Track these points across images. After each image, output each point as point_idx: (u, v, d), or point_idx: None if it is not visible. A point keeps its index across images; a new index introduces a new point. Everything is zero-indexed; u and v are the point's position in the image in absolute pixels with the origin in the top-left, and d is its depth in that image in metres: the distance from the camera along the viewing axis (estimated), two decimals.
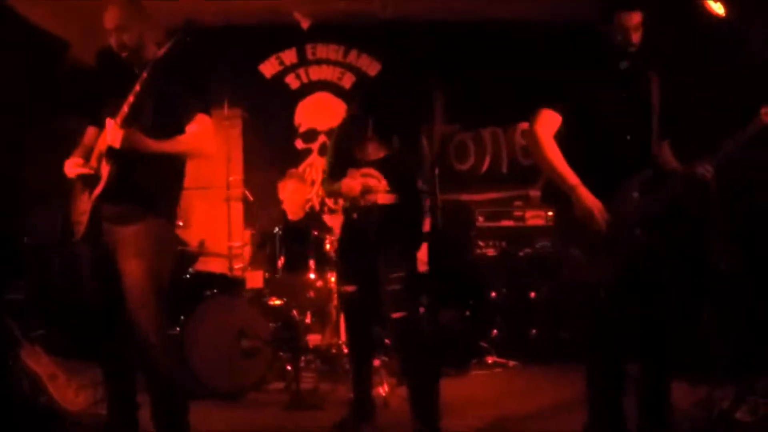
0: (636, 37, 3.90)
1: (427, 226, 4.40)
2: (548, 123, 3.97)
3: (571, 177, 3.83)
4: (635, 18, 3.88)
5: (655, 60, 4.09)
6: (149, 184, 3.98)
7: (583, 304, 4.00)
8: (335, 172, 4.70)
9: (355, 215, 4.55)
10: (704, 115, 6.00)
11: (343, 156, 4.69)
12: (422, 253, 4.50)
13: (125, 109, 3.76)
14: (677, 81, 4.11)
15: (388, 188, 4.45)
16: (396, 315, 4.38)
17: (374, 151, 4.61)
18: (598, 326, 3.89)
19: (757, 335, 5.38)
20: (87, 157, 4.06)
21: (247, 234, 7.55)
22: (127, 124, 3.76)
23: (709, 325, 5.92)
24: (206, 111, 4.06)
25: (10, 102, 6.70)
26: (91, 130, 4.23)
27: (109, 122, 3.78)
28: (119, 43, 4.00)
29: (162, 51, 3.75)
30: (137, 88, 3.74)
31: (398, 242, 4.44)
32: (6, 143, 6.85)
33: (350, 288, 4.57)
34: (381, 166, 4.53)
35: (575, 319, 4.66)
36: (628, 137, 3.94)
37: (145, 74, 3.74)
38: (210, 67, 8.09)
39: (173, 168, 4.12)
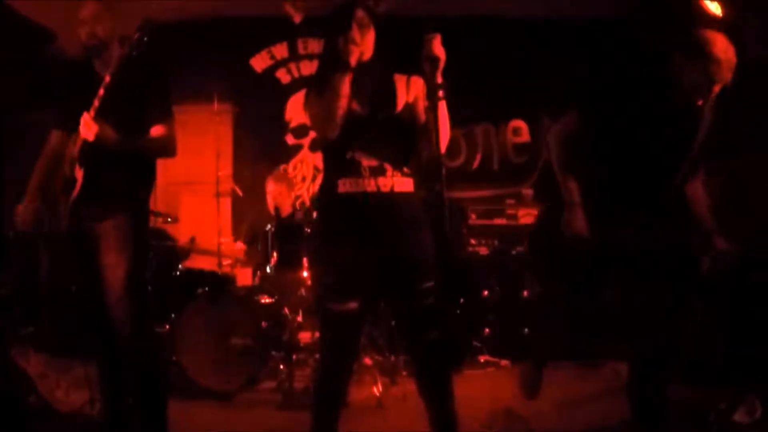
0: (704, 98, 3.81)
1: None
2: (572, 127, 4.05)
3: (574, 193, 3.96)
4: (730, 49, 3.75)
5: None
6: (122, 181, 4.09)
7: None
8: None
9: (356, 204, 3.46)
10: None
11: None
12: None
13: (96, 103, 3.87)
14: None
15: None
16: (430, 336, 3.48)
17: None
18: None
19: (753, 336, 5.36)
20: (56, 165, 4.18)
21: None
22: (99, 117, 3.87)
23: (705, 326, 5.91)
24: (169, 113, 4.19)
25: None
26: (56, 134, 4.33)
27: (84, 116, 3.88)
28: (91, 33, 4.08)
29: (125, 49, 3.85)
30: (107, 80, 3.85)
31: (424, 242, 3.50)
32: None
33: (349, 305, 3.44)
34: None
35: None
36: (649, 166, 3.88)
37: (112, 70, 3.86)
38: (198, 60, 8.06)
39: (144, 165, 4.25)
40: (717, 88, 3.75)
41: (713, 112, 3.93)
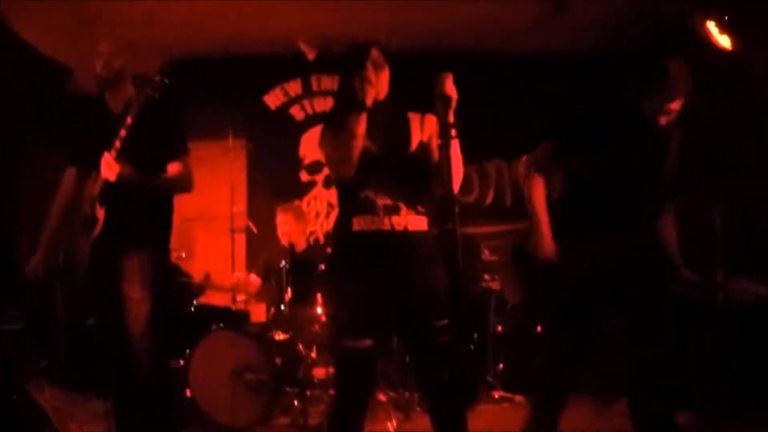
0: (671, 119, 4.05)
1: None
2: (543, 156, 4.29)
3: (542, 213, 4.23)
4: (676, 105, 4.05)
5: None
6: (143, 218, 4.19)
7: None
8: None
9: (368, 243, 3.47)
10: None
11: None
12: None
13: (118, 143, 3.96)
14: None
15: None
16: (443, 374, 3.43)
17: None
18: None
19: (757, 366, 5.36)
20: (73, 204, 4.31)
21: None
22: (121, 157, 3.96)
23: (707, 358, 5.91)
24: (186, 150, 4.31)
25: (10, 128, 6.71)
26: (70, 171, 4.43)
27: (106, 157, 3.96)
28: (107, 65, 4.19)
29: (148, 92, 3.97)
30: (129, 121, 3.94)
31: (437, 281, 3.46)
32: (4, 171, 6.86)
33: (363, 342, 3.41)
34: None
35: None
36: (613, 191, 4.04)
37: (134, 112, 3.95)
38: (213, 96, 8.13)
39: (162, 201, 4.34)
40: (675, 106, 4.01)
41: (680, 140, 4.13)
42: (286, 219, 6.68)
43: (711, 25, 6.08)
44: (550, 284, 4.25)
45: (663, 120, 4.08)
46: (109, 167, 3.93)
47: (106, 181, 3.98)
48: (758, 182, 5.94)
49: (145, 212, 4.16)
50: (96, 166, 4.12)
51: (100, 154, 4.09)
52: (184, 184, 4.27)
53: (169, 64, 3.95)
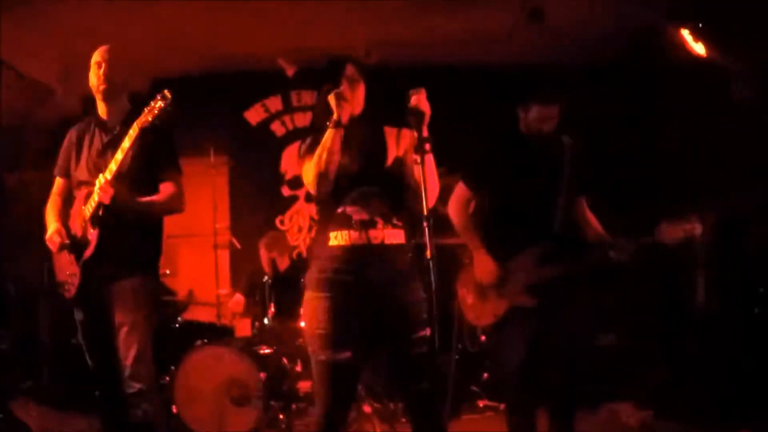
0: (550, 125, 4.43)
1: None
2: (460, 193, 4.64)
3: (474, 240, 4.55)
4: (552, 111, 4.41)
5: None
6: (135, 241, 4.14)
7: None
8: None
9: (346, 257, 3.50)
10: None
11: None
12: None
13: (114, 167, 3.91)
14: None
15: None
16: (423, 384, 3.49)
17: None
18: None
19: (750, 377, 5.42)
20: (65, 213, 4.25)
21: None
22: (117, 181, 3.92)
23: (695, 366, 5.97)
24: (178, 169, 4.28)
25: None
26: (60, 182, 4.39)
27: (101, 180, 3.92)
28: (103, 75, 4.12)
29: (148, 118, 3.86)
30: (127, 145, 3.89)
31: (415, 293, 3.54)
32: None
33: (342, 355, 3.44)
34: None
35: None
36: (529, 202, 4.41)
37: (134, 138, 3.88)
38: (194, 113, 8.15)
39: (154, 224, 4.31)
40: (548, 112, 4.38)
41: (573, 146, 4.53)
42: (269, 249, 6.74)
43: (685, 33, 6.17)
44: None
45: (547, 129, 4.44)
46: (104, 190, 3.89)
47: (100, 204, 3.94)
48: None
49: (135, 234, 4.13)
50: (85, 179, 4.11)
51: (91, 166, 4.10)
52: (174, 204, 4.22)
53: (169, 92, 3.89)
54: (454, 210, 4.65)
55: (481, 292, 4.55)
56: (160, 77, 7.42)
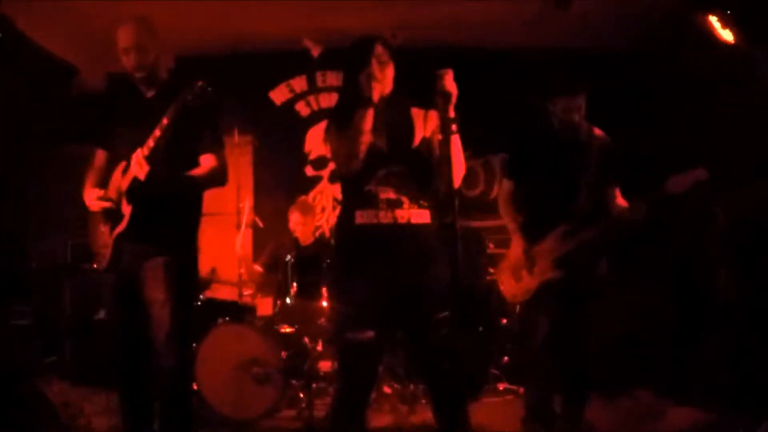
0: (578, 115, 4.63)
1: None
2: (505, 189, 5.00)
3: (511, 224, 4.88)
4: (578, 101, 4.60)
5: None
6: (171, 221, 4.10)
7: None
8: None
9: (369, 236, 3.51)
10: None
11: None
12: None
13: (151, 143, 3.85)
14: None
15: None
16: (444, 366, 3.51)
17: None
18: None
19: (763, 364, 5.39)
20: (103, 185, 4.17)
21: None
22: (153, 157, 3.85)
23: (713, 354, 5.95)
24: (221, 143, 4.23)
25: (17, 126, 6.75)
26: (100, 154, 4.35)
27: (137, 155, 3.88)
28: (138, 62, 4.09)
29: (188, 98, 3.79)
30: (165, 122, 3.81)
31: (438, 274, 3.48)
32: (12, 168, 6.89)
33: (366, 334, 3.43)
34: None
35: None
36: (561, 190, 4.67)
37: (172, 115, 3.80)
38: (218, 93, 8.15)
39: (192, 202, 4.25)
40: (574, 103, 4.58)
41: (600, 139, 4.74)
42: (297, 215, 6.76)
43: (713, 20, 6.10)
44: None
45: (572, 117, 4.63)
46: (140, 166, 3.85)
47: (135, 179, 3.91)
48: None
49: (172, 212, 4.08)
50: (124, 152, 4.05)
51: (129, 139, 4.02)
52: (217, 178, 4.17)
53: (208, 78, 3.84)
54: (502, 204, 4.99)
55: (516, 272, 4.82)
56: (184, 56, 7.42)
